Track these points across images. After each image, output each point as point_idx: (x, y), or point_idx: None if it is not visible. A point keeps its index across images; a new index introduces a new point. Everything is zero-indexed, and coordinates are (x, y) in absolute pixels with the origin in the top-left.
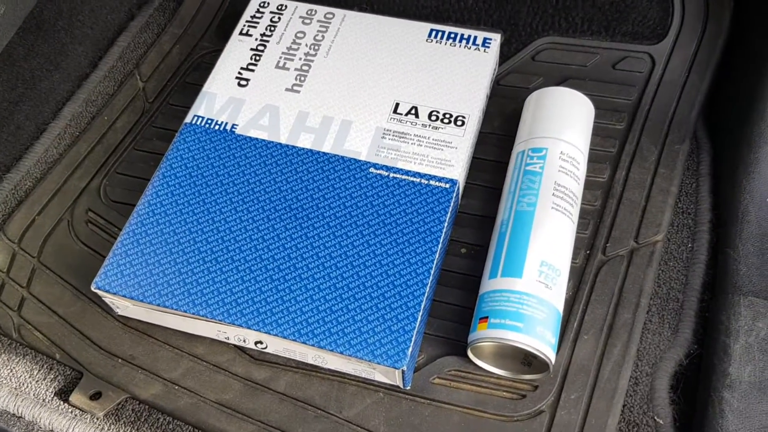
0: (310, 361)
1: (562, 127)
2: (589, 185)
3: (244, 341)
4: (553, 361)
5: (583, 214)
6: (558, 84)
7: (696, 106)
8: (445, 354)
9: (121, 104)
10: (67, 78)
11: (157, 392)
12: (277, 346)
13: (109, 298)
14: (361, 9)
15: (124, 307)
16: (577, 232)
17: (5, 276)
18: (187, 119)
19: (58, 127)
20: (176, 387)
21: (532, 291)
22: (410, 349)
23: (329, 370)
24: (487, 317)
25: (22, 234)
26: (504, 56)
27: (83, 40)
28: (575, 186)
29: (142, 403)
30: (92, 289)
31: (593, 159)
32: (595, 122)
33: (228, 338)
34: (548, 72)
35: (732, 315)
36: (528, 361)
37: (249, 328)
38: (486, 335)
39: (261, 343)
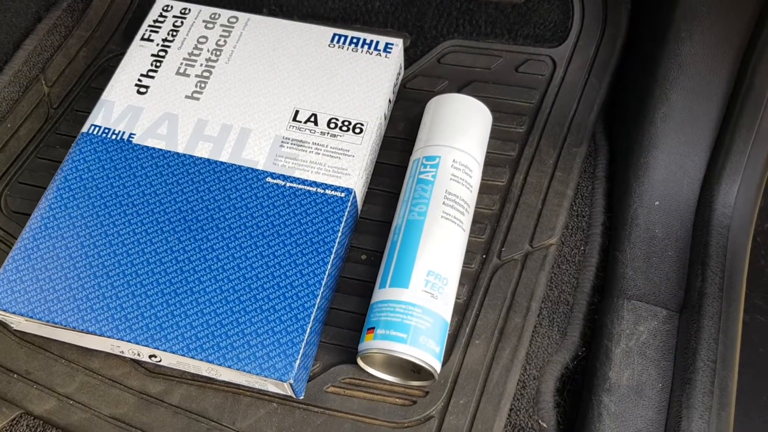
0: (204, 374)
1: (456, 135)
2: (488, 189)
3: (138, 355)
4: (438, 369)
5: (481, 219)
6: (463, 87)
7: (594, 108)
8: (340, 362)
9: (25, 110)
10: None
11: (51, 407)
12: (170, 359)
13: (0, 315)
14: (270, 11)
15: (17, 322)
16: (474, 237)
17: None
18: (84, 128)
19: None
20: (71, 402)
21: (418, 301)
22: (298, 361)
23: (224, 381)
24: (373, 328)
25: None
26: (410, 59)
27: None
28: (467, 194)
29: (37, 419)
30: None
31: (493, 163)
32: (496, 126)
33: (123, 352)
34: (453, 75)
35: (615, 319)
36: (417, 368)
37: (138, 344)
38: (372, 346)
39: (155, 356)
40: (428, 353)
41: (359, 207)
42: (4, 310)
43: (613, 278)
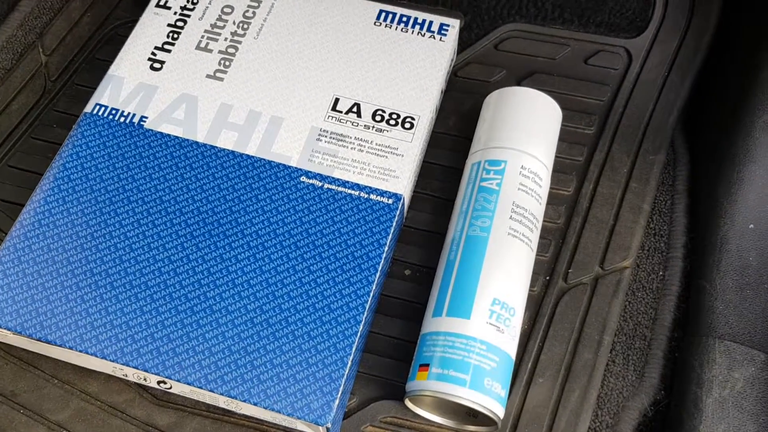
0: (222, 406)
1: (524, 136)
2: (552, 199)
3: (145, 380)
4: (501, 416)
5: (544, 233)
6: (523, 78)
7: (675, 111)
8: (380, 397)
9: (19, 82)
10: None
11: None
12: (183, 387)
13: None
14: None
15: (3, 335)
16: (538, 255)
17: None
18: (88, 108)
19: None
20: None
21: (482, 336)
22: (337, 400)
23: (244, 415)
24: (428, 365)
25: None
26: (463, 44)
27: None
28: (536, 207)
29: None
30: None
31: (558, 169)
32: (563, 126)
33: (126, 375)
34: (512, 64)
35: (705, 362)
36: (474, 413)
37: (144, 370)
38: (426, 387)
39: (164, 383)
40: (492, 399)
41: (405, 214)
42: None
43: (699, 312)
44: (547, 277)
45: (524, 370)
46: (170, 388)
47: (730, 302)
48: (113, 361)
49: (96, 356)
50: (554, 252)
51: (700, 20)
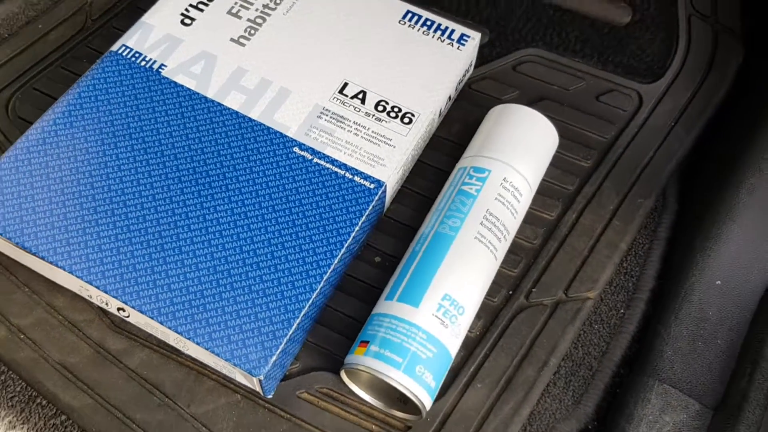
0: (171, 343)
1: (514, 151)
2: (533, 220)
3: (107, 304)
4: (428, 407)
5: (517, 250)
6: (533, 102)
7: (674, 160)
8: (322, 368)
9: (62, 14)
10: None
11: None
12: (139, 318)
13: None
14: None
15: None
16: (505, 269)
17: None
18: (114, 47)
19: None
20: (21, 336)
21: (425, 326)
22: (274, 357)
23: (190, 357)
24: (368, 342)
25: None
26: (484, 59)
27: None
28: (510, 220)
29: None
30: None
31: (546, 193)
32: (559, 154)
33: (91, 297)
34: (526, 86)
35: (640, 400)
36: (405, 399)
37: (107, 293)
38: (361, 362)
39: (123, 310)
40: (422, 387)
41: (386, 204)
42: None
43: (648, 354)
44: (510, 292)
45: (465, 372)
46: (128, 316)
47: (680, 350)
48: (79, 278)
49: (64, 270)
50: (523, 270)
51: (716, 77)
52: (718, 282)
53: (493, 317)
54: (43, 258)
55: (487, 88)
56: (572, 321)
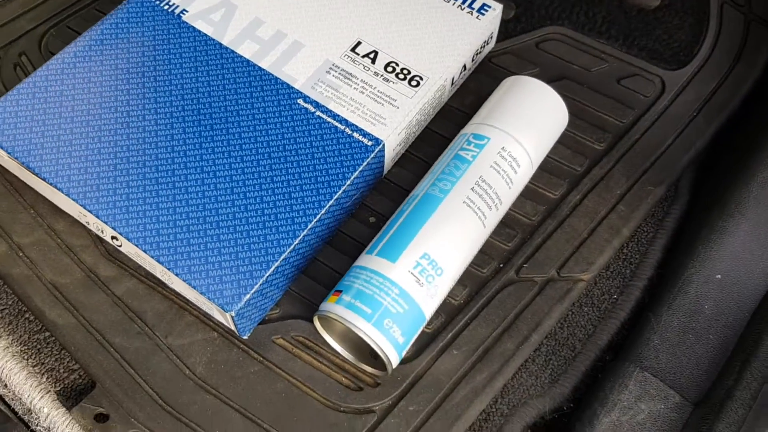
0: (158, 275)
1: (517, 122)
2: (534, 197)
3: (102, 232)
4: (394, 362)
5: (514, 225)
6: (553, 80)
7: (691, 151)
8: (301, 317)
9: None
10: None
11: None
12: (130, 248)
13: None
14: None
15: (1, 156)
16: (498, 241)
17: None
18: None
19: None
20: (20, 254)
21: (399, 281)
22: (248, 296)
23: (174, 291)
24: (341, 291)
25: None
26: (508, 33)
27: None
28: (504, 189)
29: None
30: None
31: (552, 172)
32: (571, 133)
33: (89, 224)
34: (547, 64)
35: (617, 385)
36: (375, 354)
37: (97, 216)
38: (331, 309)
39: (116, 240)
40: (389, 341)
41: (386, 165)
42: None
43: (635, 341)
44: (501, 265)
45: (443, 338)
46: (120, 246)
47: (668, 340)
48: (74, 201)
49: (62, 192)
50: (517, 245)
51: (744, 68)
52: (718, 276)
53: (479, 287)
54: (44, 179)
55: (507, 62)
56: (561, 300)
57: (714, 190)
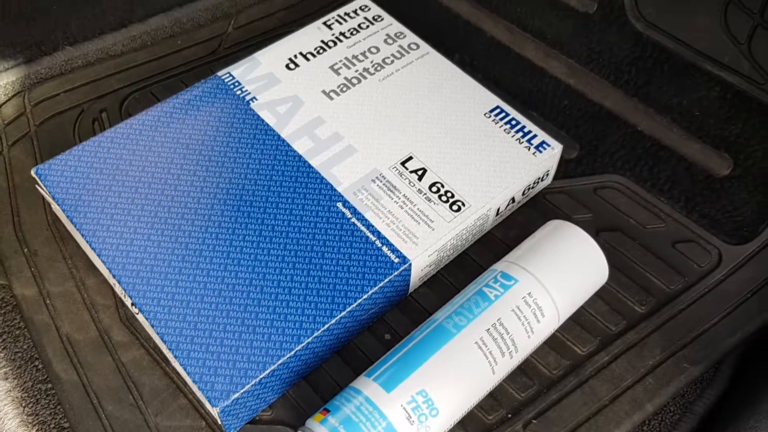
0: (164, 351)
1: (551, 270)
2: (560, 349)
3: (124, 296)
4: None
5: (532, 374)
6: (604, 230)
7: (738, 334)
8: (292, 426)
9: (200, 37)
10: None
11: (28, 294)
12: (144, 318)
13: (40, 189)
14: (461, 59)
15: (52, 203)
16: (512, 389)
17: (3, 127)
18: (220, 72)
19: (137, 30)
20: (47, 301)
21: (390, 415)
22: (237, 394)
23: (175, 370)
24: (328, 411)
25: (40, 101)
26: (567, 173)
27: None
28: (522, 337)
29: (11, 296)
30: (32, 173)
31: (584, 325)
32: (614, 290)
33: (114, 285)
34: (602, 212)
35: None
36: None
37: (118, 281)
38: (314, 429)
39: (135, 307)
40: None
41: (412, 284)
42: (45, 187)
43: None
44: (509, 415)
45: None
46: (137, 314)
47: None
48: (103, 262)
49: (93, 251)
50: (531, 396)
51: None
52: None
53: None
54: (82, 235)
55: (561, 202)
56: None
57: (754, 385)
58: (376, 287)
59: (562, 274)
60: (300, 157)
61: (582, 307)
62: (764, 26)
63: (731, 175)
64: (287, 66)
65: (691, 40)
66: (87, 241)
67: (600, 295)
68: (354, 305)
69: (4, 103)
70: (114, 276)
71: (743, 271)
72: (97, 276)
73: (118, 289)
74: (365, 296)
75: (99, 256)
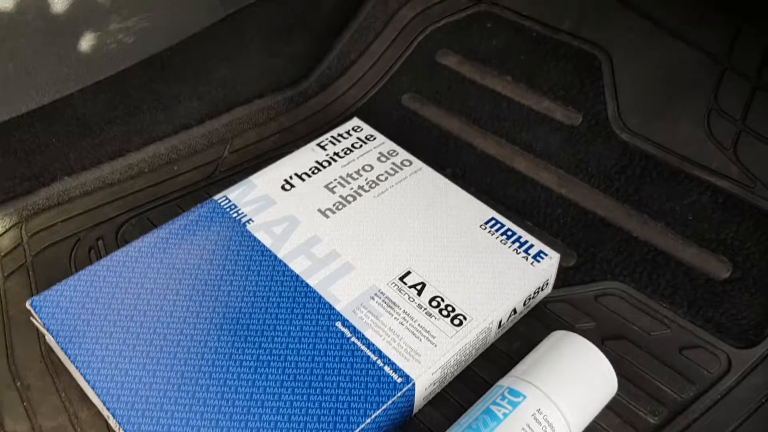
0: None
1: (560, 384)
2: None
3: (118, 429)
4: None
5: None
6: (609, 338)
7: None
8: None
9: (197, 163)
10: (171, 121)
11: (21, 431)
12: None
13: (35, 321)
14: (453, 173)
15: (46, 334)
16: None
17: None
18: (216, 196)
19: (134, 158)
20: None
21: None
22: None
23: None
24: None
25: (37, 232)
26: (566, 281)
27: (205, 97)
28: None
29: None
30: (27, 305)
31: None
32: (625, 402)
33: (109, 418)
34: (605, 320)
35: None
36: None
37: (112, 415)
38: None
39: None
40: None
41: (416, 404)
42: (40, 319)
43: None
44: None
45: None
46: None
47: None
48: (97, 395)
49: (88, 383)
50: None
51: None
52: None
53: None
54: (76, 367)
55: (562, 311)
56: None
57: None
58: (380, 410)
59: (571, 387)
60: (297, 276)
61: (594, 421)
62: (747, 131)
63: (731, 278)
64: (283, 187)
65: (678, 147)
66: (81, 373)
67: (611, 407)
68: (357, 429)
69: (1, 235)
70: (108, 408)
71: (754, 376)
72: (90, 408)
73: (112, 422)
74: (368, 420)
75: (93, 387)
